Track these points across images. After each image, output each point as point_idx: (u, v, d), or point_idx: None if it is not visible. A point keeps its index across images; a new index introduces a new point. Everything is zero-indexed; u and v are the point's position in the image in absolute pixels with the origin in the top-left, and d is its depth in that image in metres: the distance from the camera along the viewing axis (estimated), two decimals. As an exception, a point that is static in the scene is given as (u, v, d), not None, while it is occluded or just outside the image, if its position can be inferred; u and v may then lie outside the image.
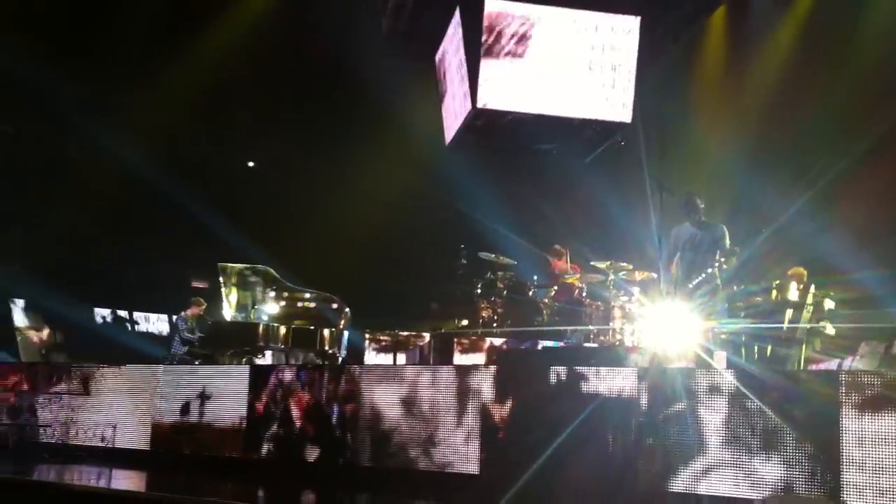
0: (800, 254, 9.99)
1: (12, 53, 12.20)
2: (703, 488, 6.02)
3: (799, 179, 11.27)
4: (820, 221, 10.70)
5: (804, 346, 7.94)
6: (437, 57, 13.01)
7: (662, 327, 8.69)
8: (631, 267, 9.78)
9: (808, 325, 7.92)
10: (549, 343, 9.23)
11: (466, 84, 11.54)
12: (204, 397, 8.53)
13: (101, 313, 14.56)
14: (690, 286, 8.67)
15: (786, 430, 5.77)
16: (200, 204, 13.52)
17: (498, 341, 9.32)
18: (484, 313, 9.77)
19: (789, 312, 8.10)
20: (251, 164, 15.85)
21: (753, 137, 12.13)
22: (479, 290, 9.88)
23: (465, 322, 10.55)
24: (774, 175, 11.36)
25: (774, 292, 8.36)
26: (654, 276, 9.64)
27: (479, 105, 11.25)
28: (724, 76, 12.99)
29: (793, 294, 8.23)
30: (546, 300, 9.86)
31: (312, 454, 7.88)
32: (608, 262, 9.72)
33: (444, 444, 7.21)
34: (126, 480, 8.19)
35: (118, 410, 9.06)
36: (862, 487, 5.50)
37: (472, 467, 7.02)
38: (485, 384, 7.13)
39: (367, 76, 13.11)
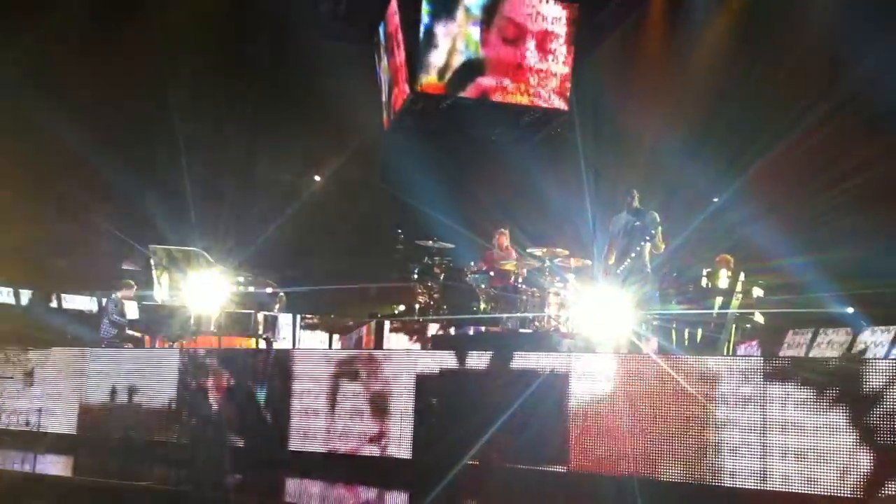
0: (730, 240, 10.18)
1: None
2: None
3: (732, 166, 11.47)
4: (751, 208, 10.92)
5: (733, 332, 8.10)
6: (376, 39, 12.93)
7: (596, 314, 8.79)
8: (567, 253, 9.86)
9: (737, 312, 8.08)
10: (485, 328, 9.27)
11: (405, 68, 11.50)
12: (133, 381, 8.34)
13: (28, 294, 14.14)
14: (618, 271, 8.77)
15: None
16: (133, 182, 13.22)
17: (434, 326, 9.32)
18: (421, 298, 9.74)
19: (719, 299, 8.25)
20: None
21: (689, 124, 12.30)
22: (415, 276, 9.84)
23: (401, 307, 10.51)
24: (708, 162, 11.55)
25: (705, 279, 8.51)
26: (589, 262, 9.74)
27: (418, 89, 11.22)
28: (661, 64, 13.14)
29: (723, 281, 8.38)
30: (483, 286, 9.88)
31: (240, 440, 7.79)
32: (544, 249, 9.77)
33: (377, 430, 7.18)
34: (55, 465, 8.01)
35: (46, 394, 8.83)
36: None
37: (405, 452, 7.01)
38: (418, 368, 7.11)
39: (305, 58, 12.95)
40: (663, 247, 8.86)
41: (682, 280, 8.81)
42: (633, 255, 8.68)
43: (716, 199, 9.39)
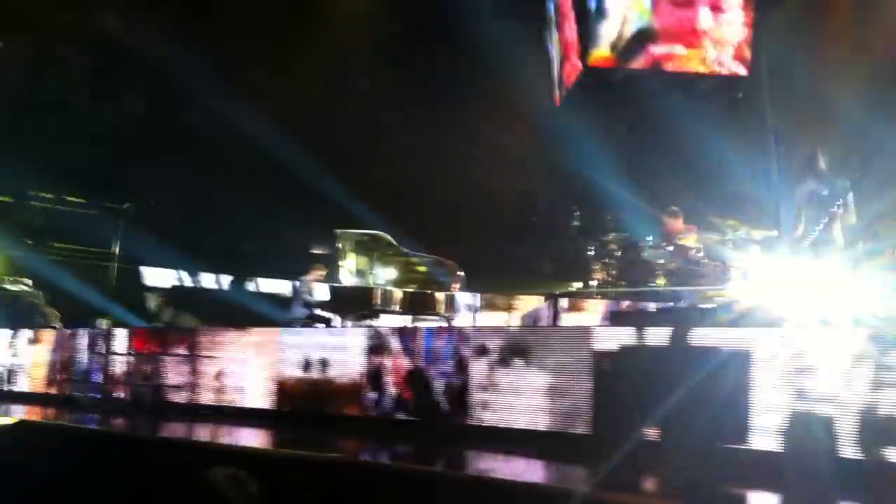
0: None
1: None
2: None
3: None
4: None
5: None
6: (546, 15, 12.87)
7: (783, 287, 8.43)
8: (751, 225, 9.51)
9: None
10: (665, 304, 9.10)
11: (576, 42, 11.40)
12: (324, 358, 8.79)
13: (226, 279, 15.13)
14: (806, 244, 8.36)
15: None
16: (318, 171, 13.80)
17: (612, 303, 9.25)
18: (598, 275, 9.70)
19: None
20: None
21: (883, 85, 11.51)
22: (592, 252, 9.80)
23: (579, 284, 10.49)
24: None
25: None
26: (775, 233, 9.34)
27: (589, 62, 11.10)
28: (855, 17, 12.35)
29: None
30: (661, 261, 9.69)
31: (416, 413, 8.06)
32: (726, 220, 9.47)
33: (556, 406, 7.23)
34: (249, 437, 8.55)
35: (244, 371, 9.45)
36: None
37: (584, 428, 7.03)
38: (596, 344, 7.09)
39: (479, 37, 13.06)
40: (854, 217, 8.36)
41: (876, 252, 8.28)
42: (820, 226, 8.25)
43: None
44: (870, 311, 7.87)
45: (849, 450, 5.75)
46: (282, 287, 14.84)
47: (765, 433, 6.09)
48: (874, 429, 5.68)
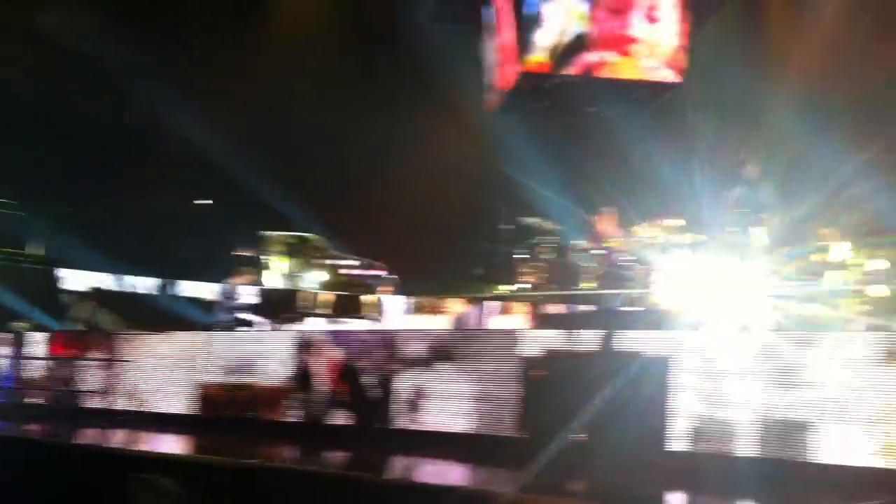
0: (853, 215, 9.68)
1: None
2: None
3: (857, 137, 10.89)
4: (877, 181, 10.35)
5: (851, 306, 7.74)
6: (483, 20, 12.86)
7: (710, 291, 8.52)
8: (678, 229, 9.60)
9: (853, 286, 7.72)
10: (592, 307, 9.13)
11: (511, 47, 11.39)
12: (247, 362, 8.60)
13: (148, 281, 14.78)
14: (733, 248, 8.48)
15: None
16: (248, 173, 13.58)
17: (541, 305, 9.25)
18: (528, 278, 9.69)
19: (835, 273, 7.89)
20: None
21: (810, 93, 11.74)
22: (522, 255, 9.78)
23: (509, 287, 10.47)
24: (831, 133, 11.01)
25: (821, 253, 8.16)
26: (703, 238, 9.45)
27: (524, 68, 11.09)
28: (784, 32, 12.58)
29: (839, 254, 8.01)
30: (591, 264, 9.72)
31: (346, 418, 7.93)
32: (655, 224, 9.55)
33: (483, 409, 7.17)
34: (172, 444, 8.32)
35: (164, 375, 9.20)
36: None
37: (510, 431, 6.98)
38: (526, 348, 7.05)
39: (414, 42, 12.99)
40: (780, 223, 8.52)
41: (799, 255, 8.44)
42: (746, 230, 8.38)
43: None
44: (791, 313, 8.00)
45: (762, 449, 5.82)
46: (207, 290, 14.54)
47: (687, 436, 6.12)
48: (786, 428, 5.75)
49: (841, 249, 8.11)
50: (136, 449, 7.86)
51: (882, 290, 7.80)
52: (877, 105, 10.70)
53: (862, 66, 11.05)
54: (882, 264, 7.87)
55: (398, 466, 7.13)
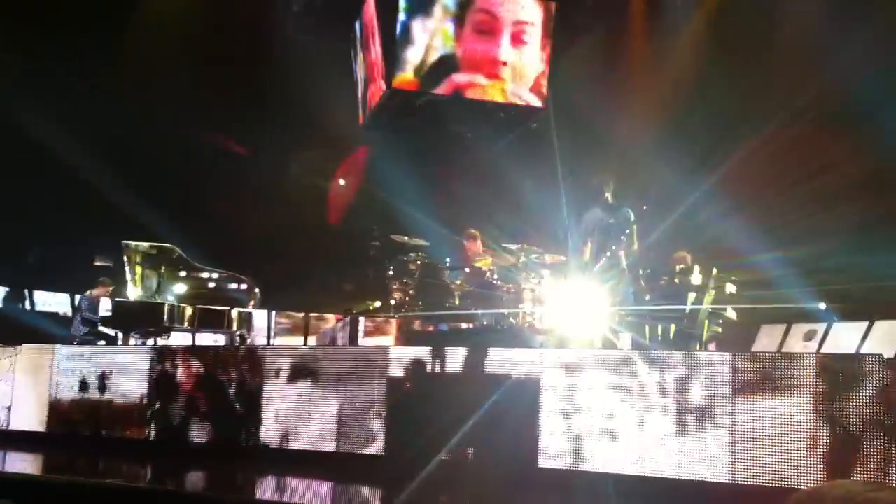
0: (703, 238, 10.25)
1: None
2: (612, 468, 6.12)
3: (704, 164, 11.53)
4: (723, 206, 10.99)
5: (706, 328, 8.16)
6: (352, 35, 12.88)
7: (571, 310, 8.82)
8: (542, 250, 9.89)
9: (710, 308, 8.14)
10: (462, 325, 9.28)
11: (380, 64, 11.45)
12: (104, 378, 8.28)
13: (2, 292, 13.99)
14: (594, 269, 8.81)
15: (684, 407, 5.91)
16: (109, 180, 13.07)
17: (408, 323, 9.31)
18: (396, 295, 9.73)
19: (692, 295, 8.30)
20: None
21: (662, 123, 12.35)
22: (391, 272, 9.83)
23: (377, 304, 10.49)
24: (682, 161, 11.62)
25: (678, 276, 8.56)
26: (564, 259, 9.76)
27: (393, 85, 11.18)
28: (637, 63, 13.19)
29: (695, 277, 8.43)
30: (458, 282, 9.88)
31: (206, 435, 7.76)
32: (519, 245, 9.80)
33: (350, 426, 7.16)
34: (22, 463, 7.92)
35: (13, 391, 8.74)
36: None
37: (378, 449, 7.00)
38: (391, 365, 7.10)
39: (280, 56, 12.86)
40: (637, 245, 8.89)
41: (655, 277, 8.84)
42: (608, 253, 8.71)
43: (645, 207, 9.36)
44: (649, 332, 8.40)
45: (629, 466, 6.06)
46: (62, 301, 13.89)
47: (553, 453, 6.31)
48: (650, 445, 6.02)
49: (699, 272, 8.53)
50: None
51: (731, 313, 8.28)
52: (726, 132, 11.39)
53: (713, 94, 11.75)
54: (731, 287, 8.34)
55: (261, 486, 7.04)
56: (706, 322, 8.19)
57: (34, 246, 14.03)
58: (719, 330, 8.33)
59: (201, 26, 13.37)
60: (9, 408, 8.73)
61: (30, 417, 8.64)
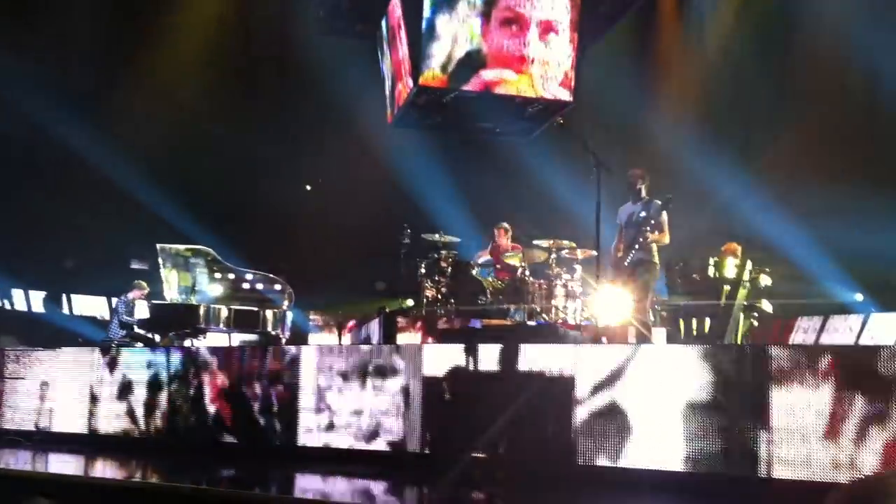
0: (739, 230, 10.16)
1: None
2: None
3: (741, 157, 11.42)
4: (759, 199, 10.88)
5: (741, 321, 8.07)
6: (379, 34, 12.90)
7: (604, 305, 8.78)
8: (573, 245, 9.86)
9: (745, 302, 8.06)
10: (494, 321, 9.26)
11: (407, 62, 11.46)
12: (142, 381, 8.38)
13: (38, 296, 14.21)
14: (626, 263, 8.77)
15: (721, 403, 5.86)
16: (143, 185, 13.26)
17: (442, 321, 9.31)
18: (428, 293, 9.76)
19: (726, 288, 8.22)
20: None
21: (697, 114, 12.25)
22: (423, 270, 9.86)
23: (409, 302, 10.52)
24: (718, 154, 11.51)
25: (712, 269, 8.48)
26: (596, 253, 9.73)
27: (420, 83, 11.18)
28: (669, 53, 13.09)
29: (730, 270, 8.35)
30: (489, 279, 9.88)
31: (241, 435, 7.83)
32: (551, 241, 9.78)
33: (387, 425, 7.19)
34: (62, 464, 8.04)
35: (55, 394, 8.88)
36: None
37: (415, 446, 7.02)
38: (425, 362, 7.12)
39: (308, 58, 12.94)
40: (667, 237, 8.81)
41: (689, 270, 8.77)
42: (637, 245, 8.67)
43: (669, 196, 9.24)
44: (684, 327, 8.34)
45: (674, 462, 6.03)
46: (100, 305, 14.10)
47: (594, 450, 6.30)
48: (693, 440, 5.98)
49: (734, 265, 8.44)
50: (29, 470, 7.55)
51: (767, 306, 8.19)
52: (761, 123, 11.27)
53: (747, 85, 11.63)
54: (766, 280, 8.25)
55: (301, 485, 7.09)
56: (741, 316, 8.10)
57: (70, 251, 14.26)
58: (755, 323, 8.24)
59: (230, 31, 13.53)
60: (51, 410, 8.86)
61: (71, 419, 8.76)
